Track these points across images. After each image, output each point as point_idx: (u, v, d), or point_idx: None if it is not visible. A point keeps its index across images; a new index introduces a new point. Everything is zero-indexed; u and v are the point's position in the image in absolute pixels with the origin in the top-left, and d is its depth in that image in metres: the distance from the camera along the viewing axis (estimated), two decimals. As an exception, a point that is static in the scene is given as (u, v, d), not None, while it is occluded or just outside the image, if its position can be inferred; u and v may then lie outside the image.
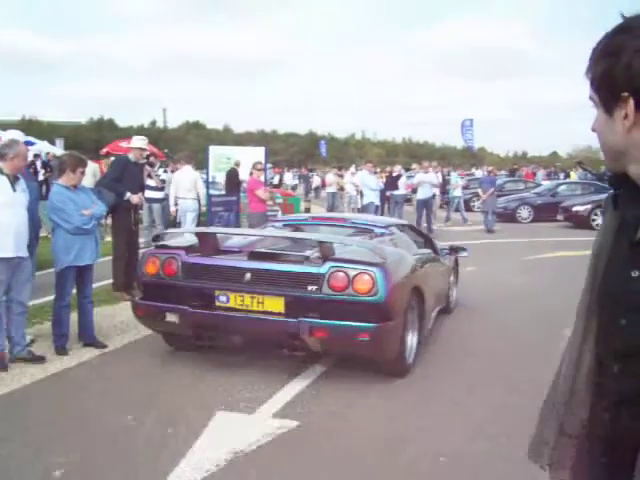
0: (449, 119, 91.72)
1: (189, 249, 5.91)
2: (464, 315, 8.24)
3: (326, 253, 5.47)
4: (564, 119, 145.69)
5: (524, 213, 22.51)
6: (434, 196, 19.35)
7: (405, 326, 5.63)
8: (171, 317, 5.64)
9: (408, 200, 21.20)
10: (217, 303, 5.51)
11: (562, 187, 24.31)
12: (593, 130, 1.39)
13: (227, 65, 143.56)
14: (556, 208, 21.32)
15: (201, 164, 32.76)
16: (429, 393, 5.37)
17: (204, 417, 4.64)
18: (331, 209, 22.34)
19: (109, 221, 10.42)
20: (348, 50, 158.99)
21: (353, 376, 5.70)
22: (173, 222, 18.23)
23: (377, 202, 17.81)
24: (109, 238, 10.08)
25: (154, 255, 5.94)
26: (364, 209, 17.59)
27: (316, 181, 38.10)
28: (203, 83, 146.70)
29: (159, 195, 14.32)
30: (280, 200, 19.98)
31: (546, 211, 21.97)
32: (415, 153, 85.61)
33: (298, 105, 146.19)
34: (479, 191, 19.88)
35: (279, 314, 5.34)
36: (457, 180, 21.75)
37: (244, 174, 16.63)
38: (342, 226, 7.27)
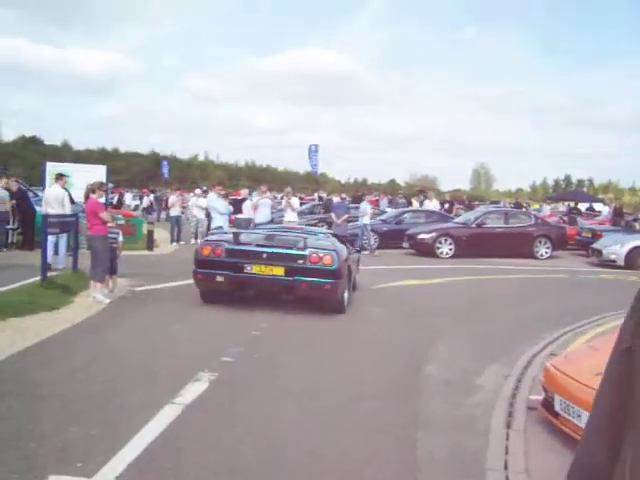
0: (290, 144, 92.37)
1: (228, 241, 10.16)
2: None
3: (306, 244, 9.88)
4: (400, 148, 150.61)
5: (370, 240, 22.59)
6: (272, 220, 19.44)
7: (344, 285, 9.99)
8: (219, 278, 9.76)
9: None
10: (245, 271, 9.71)
11: (407, 215, 24.82)
12: None
13: (66, 80, 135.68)
14: (401, 235, 21.69)
15: (36, 181, 30.96)
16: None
17: (32, 485, 3.89)
18: (178, 233, 21.78)
19: None
20: (188, 71, 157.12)
21: (202, 426, 5.16)
22: (5, 242, 16.78)
23: (226, 226, 17.35)
24: None
25: (207, 244, 10.31)
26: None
27: (145, 201, 35.83)
28: (41, 97, 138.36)
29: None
30: (122, 221, 18.99)
31: (392, 238, 22.22)
32: (257, 177, 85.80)
33: (140, 124, 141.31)
34: (332, 216, 19.89)
35: (281, 276, 9.67)
36: (366, 208, 21.41)
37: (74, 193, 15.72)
38: (301, 232, 11.50)
